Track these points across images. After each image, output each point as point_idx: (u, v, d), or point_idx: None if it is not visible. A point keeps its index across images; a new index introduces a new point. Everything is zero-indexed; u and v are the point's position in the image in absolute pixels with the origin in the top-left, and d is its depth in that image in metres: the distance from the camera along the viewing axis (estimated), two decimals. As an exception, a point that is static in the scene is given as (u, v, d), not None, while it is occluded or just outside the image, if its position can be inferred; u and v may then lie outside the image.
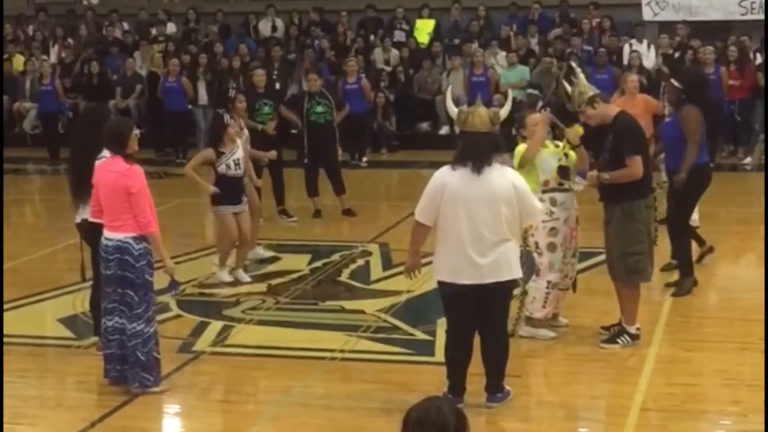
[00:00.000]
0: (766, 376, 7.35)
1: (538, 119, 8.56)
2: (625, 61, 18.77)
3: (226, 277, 10.69)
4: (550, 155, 8.52)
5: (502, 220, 6.89)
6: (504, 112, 7.26)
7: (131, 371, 7.56)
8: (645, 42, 19.51)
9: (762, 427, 6.83)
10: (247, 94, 12.76)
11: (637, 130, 8.37)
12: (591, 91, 8.33)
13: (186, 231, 13.75)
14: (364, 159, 18.62)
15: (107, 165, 7.65)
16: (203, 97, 20.08)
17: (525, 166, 8.33)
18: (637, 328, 8.43)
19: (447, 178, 6.99)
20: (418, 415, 3.63)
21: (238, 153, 10.54)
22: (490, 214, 6.87)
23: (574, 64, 8.92)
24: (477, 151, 6.97)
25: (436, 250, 7.10)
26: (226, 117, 10.83)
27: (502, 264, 6.93)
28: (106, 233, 7.56)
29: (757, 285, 10.50)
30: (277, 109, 13.54)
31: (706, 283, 9.94)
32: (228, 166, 10.49)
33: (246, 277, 10.73)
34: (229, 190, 10.46)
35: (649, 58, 18.94)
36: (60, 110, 20.50)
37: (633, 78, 13.28)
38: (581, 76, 8.55)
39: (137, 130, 7.79)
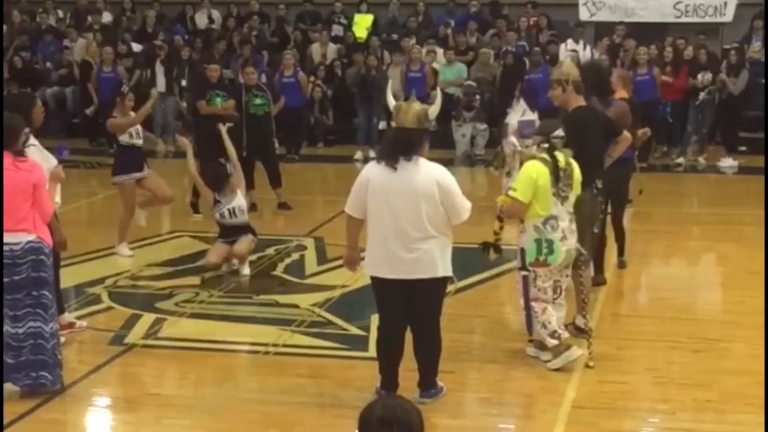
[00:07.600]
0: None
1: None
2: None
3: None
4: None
5: (422, 217, 6.81)
6: (433, 111, 7.11)
7: (52, 372, 7.30)
8: (581, 42, 19.65)
9: (691, 425, 6.97)
10: (201, 86, 13.92)
11: (580, 131, 8.34)
12: (571, 75, 8.31)
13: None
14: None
15: None
16: (161, 84, 19.87)
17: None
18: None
19: (372, 172, 6.96)
20: (383, 414, 3.52)
21: (234, 202, 10.73)
22: (409, 209, 6.81)
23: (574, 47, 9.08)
24: (393, 146, 6.94)
25: (367, 244, 7.10)
26: (228, 166, 11.16)
27: (427, 261, 6.86)
28: (8, 237, 7.11)
29: (687, 284, 10.67)
30: (236, 100, 13.62)
31: (636, 282, 10.05)
32: (222, 215, 10.73)
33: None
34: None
35: (586, 58, 19.07)
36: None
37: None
38: (567, 60, 8.52)
39: (27, 128, 7.54)
